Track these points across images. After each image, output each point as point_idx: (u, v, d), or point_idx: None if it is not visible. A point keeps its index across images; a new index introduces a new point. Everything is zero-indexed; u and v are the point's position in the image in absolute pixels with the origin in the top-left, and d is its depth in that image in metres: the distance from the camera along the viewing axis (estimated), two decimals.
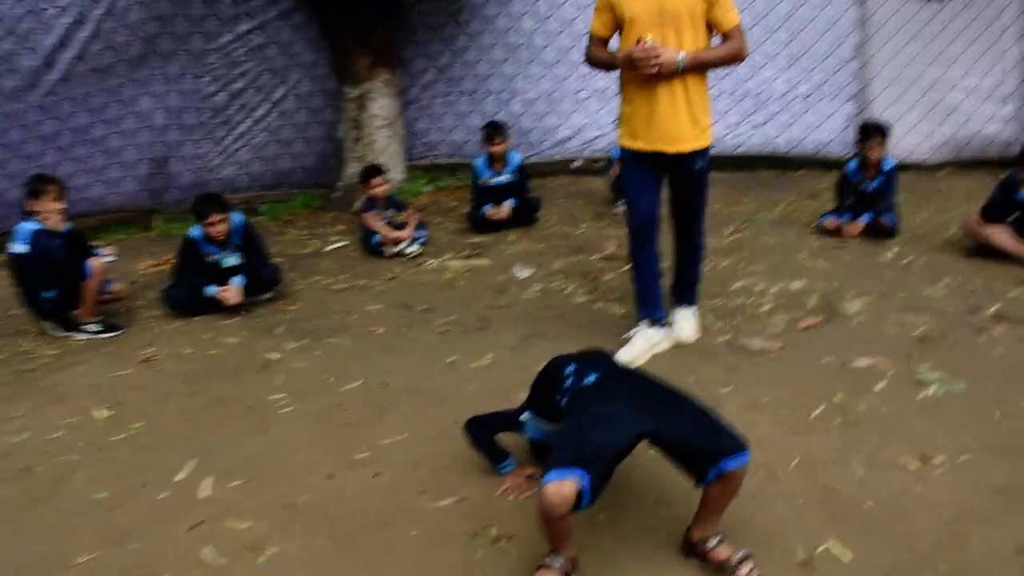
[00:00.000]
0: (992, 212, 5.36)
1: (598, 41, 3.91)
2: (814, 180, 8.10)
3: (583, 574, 2.49)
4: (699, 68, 3.74)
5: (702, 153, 3.86)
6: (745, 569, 2.42)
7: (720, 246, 5.92)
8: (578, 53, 8.52)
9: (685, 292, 4.33)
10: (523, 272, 5.59)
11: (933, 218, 6.49)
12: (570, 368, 2.68)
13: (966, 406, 3.48)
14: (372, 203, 6.28)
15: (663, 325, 4.19)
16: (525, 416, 2.90)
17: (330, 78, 8.20)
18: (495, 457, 3.04)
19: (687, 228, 4.13)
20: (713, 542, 2.50)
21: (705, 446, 2.36)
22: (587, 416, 2.42)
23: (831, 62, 8.84)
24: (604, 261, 5.78)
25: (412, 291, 5.36)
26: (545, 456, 2.82)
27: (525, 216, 6.82)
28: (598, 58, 3.94)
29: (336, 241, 6.78)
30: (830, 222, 6.12)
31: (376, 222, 6.17)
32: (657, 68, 3.58)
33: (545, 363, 2.89)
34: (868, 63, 8.70)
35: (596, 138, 8.87)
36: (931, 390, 3.63)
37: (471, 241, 6.48)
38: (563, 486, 2.22)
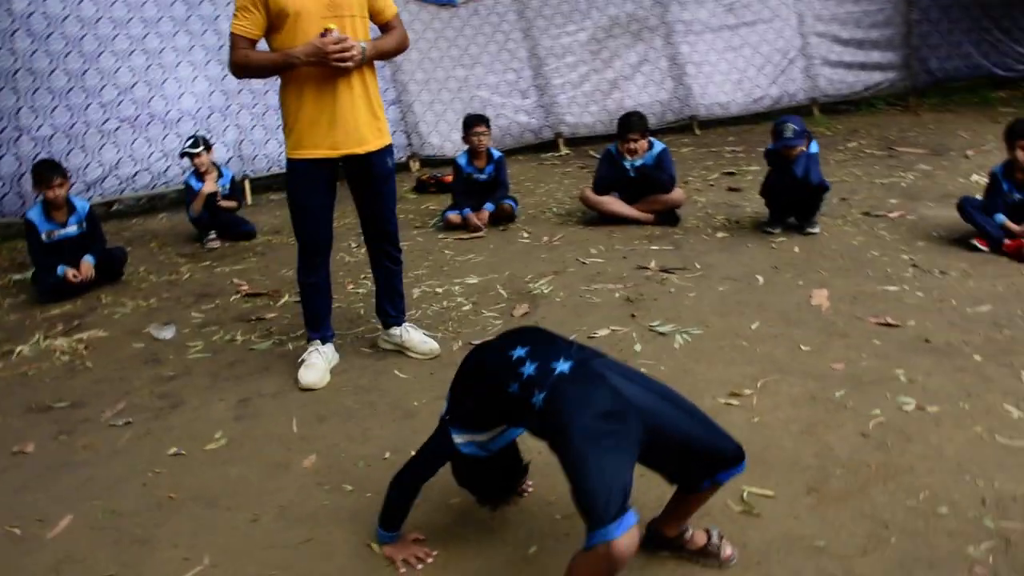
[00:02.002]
0: (602, 184, 5.90)
1: (248, 43, 3.32)
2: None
3: None
4: (376, 59, 3.45)
5: (388, 150, 3.61)
6: (728, 548, 2.28)
7: (357, 261, 5.54)
8: (95, 76, 7.28)
9: (399, 306, 3.96)
10: (164, 333, 4.53)
11: (538, 200, 6.93)
12: (518, 353, 2.13)
13: (715, 344, 3.73)
14: None
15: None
16: (458, 439, 2.27)
17: None
18: (394, 522, 2.41)
19: (387, 236, 3.79)
20: (688, 532, 2.30)
21: (712, 451, 2.08)
22: (600, 428, 1.94)
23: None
24: (248, 299, 4.99)
25: (28, 389, 3.97)
26: (476, 477, 2.35)
27: (110, 271, 5.56)
28: (255, 62, 3.34)
29: None
30: (454, 216, 6.13)
31: None
32: (351, 60, 3.20)
33: (465, 359, 2.35)
34: (400, 67, 8.94)
35: (136, 174, 7.64)
36: (678, 340, 3.82)
37: (54, 313, 5.06)
38: (633, 534, 1.79)
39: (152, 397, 3.74)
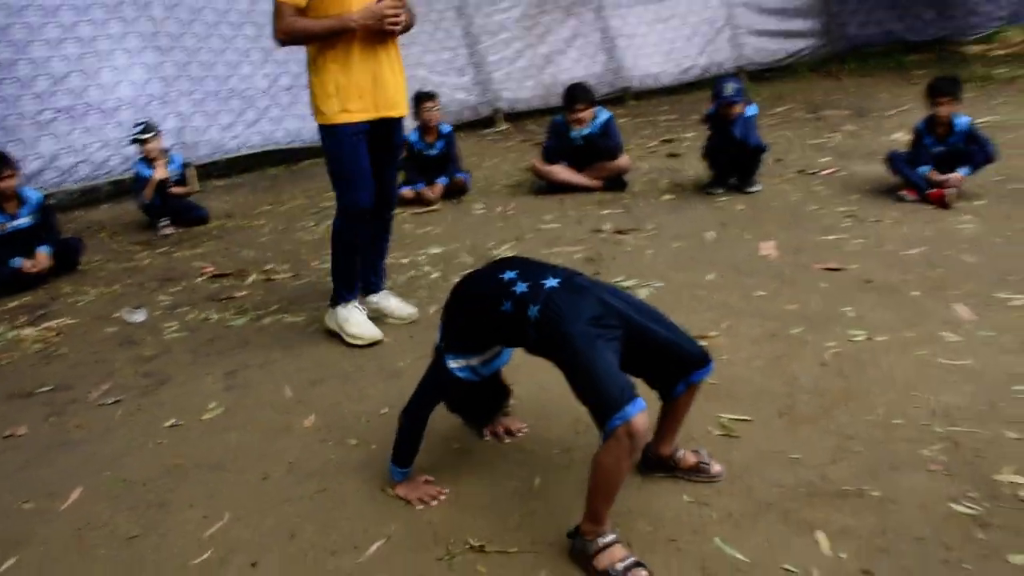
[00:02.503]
0: (551, 154, 6.10)
1: (294, 11, 3.39)
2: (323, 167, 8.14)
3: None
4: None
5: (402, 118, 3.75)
6: (716, 465, 2.52)
7: (316, 239, 5.65)
8: (27, 66, 7.15)
9: (381, 272, 4.12)
10: (136, 316, 4.58)
11: (487, 174, 7.10)
12: (509, 275, 2.32)
13: (676, 296, 3.99)
14: None
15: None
16: (452, 364, 2.45)
17: None
18: (407, 456, 2.58)
19: (391, 203, 3.93)
20: (680, 452, 2.53)
21: (681, 352, 2.32)
22: (593, 330, 2.16)
23: (302, 53, 8.87)
24: (215, 280, 5.05)
25: (3, 378, 3.99)
26: (468, 401, 2.61)
27: (66, 262, 5.55)
28: (307, 28, 3.38)
29: None
30: (408, 192, 6.26)
31: None
32: (400, 24, 3.37)
33: (455, 287, 2.52)
34: None
35: (76, 165, 7.54)
36: (642, 293, 4.06)
37: (13, 305, 5.04)
38: (645, 413, 2.05)
39: (136, 376, 3.81)
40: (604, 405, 2.05)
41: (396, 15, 3.34)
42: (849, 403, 2.87)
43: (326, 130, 3.56)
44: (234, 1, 8.53)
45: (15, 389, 3.83)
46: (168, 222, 6.36)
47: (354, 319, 3.84)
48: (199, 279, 5.12)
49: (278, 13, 3.38)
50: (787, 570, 2.11)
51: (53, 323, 4.62)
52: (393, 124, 3.66)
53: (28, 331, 4.53)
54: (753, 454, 2.63)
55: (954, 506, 2.28)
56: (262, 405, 3.38)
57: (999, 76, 9.10)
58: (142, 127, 6.34)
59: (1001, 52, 10.55)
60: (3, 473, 3.08)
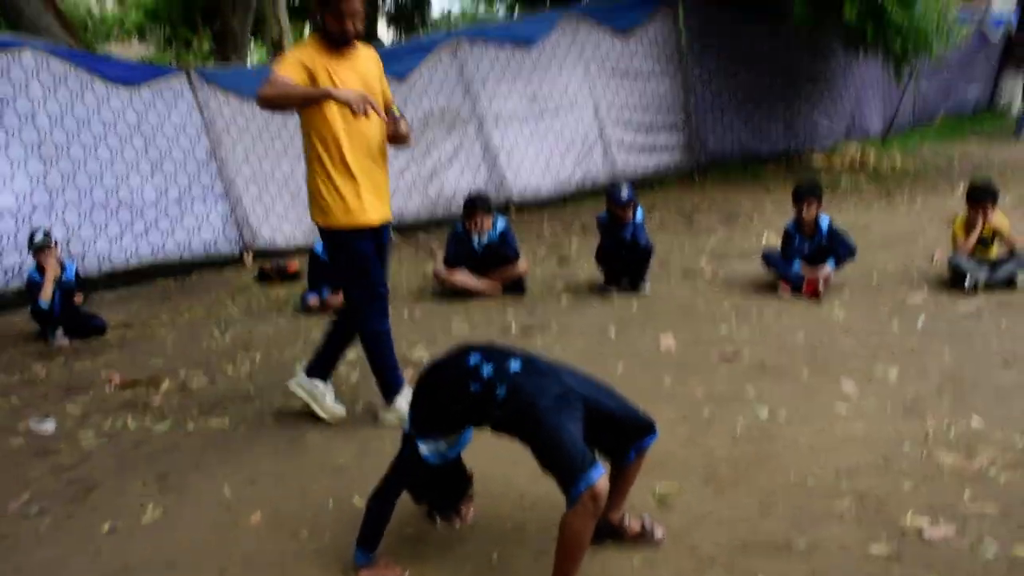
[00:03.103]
0: (452, 260, 6.42)
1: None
2: (217, 278, 8.21)
3: None
4: (395, 140, 3.89)
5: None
6: (659, 530, 2.78)
7: (224, 346, 5.67)
8: None
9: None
10: (46, 425, 4.45)
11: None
12: (474, 359, 2.54)
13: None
14: None
15: None
16: (423, 448, 2.61)
17: None
18: (374, 540, 2.71)
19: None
20: (626, 519, 2.78)
21: (632, 422, 2.60)
22: (558, 405, 2.40)
23: (191, 165, 8.96)
24: (124, 389, 4.98)
25: None
26: (434, 486, 2.76)
27: None
28: (290, 90, 3.56)
29: None
30: (313, 300, 6.40)
31: None
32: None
33: (423, 374, 2.72)
34: (225, 163, 9.11)
35: None
36: None
37: None
38: (605, 477, 2.30)
39: (59, 484, 3.72)
40: (569, 472, 2.28)
41: (373, 108, 3.53)
42: (763, 468, 3.21)
43: (338, 235, 3.84)
44: (122, 113, 8.56)
45: None
46: (62, 332, 6.19)
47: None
48: (108, 388, 5.01)
49: (270, 80, 3.56)
50: None
51: None
52: (385, 228, 3.96)
53: None
54: (689, 518, 2.90)
55: (870, 549, 2.61)
56: (203, 504, 3.39)
57: (843, 186, 10.20)
58: (44, 235, 6.24)
59: (839, 165, 11.80)
60: None
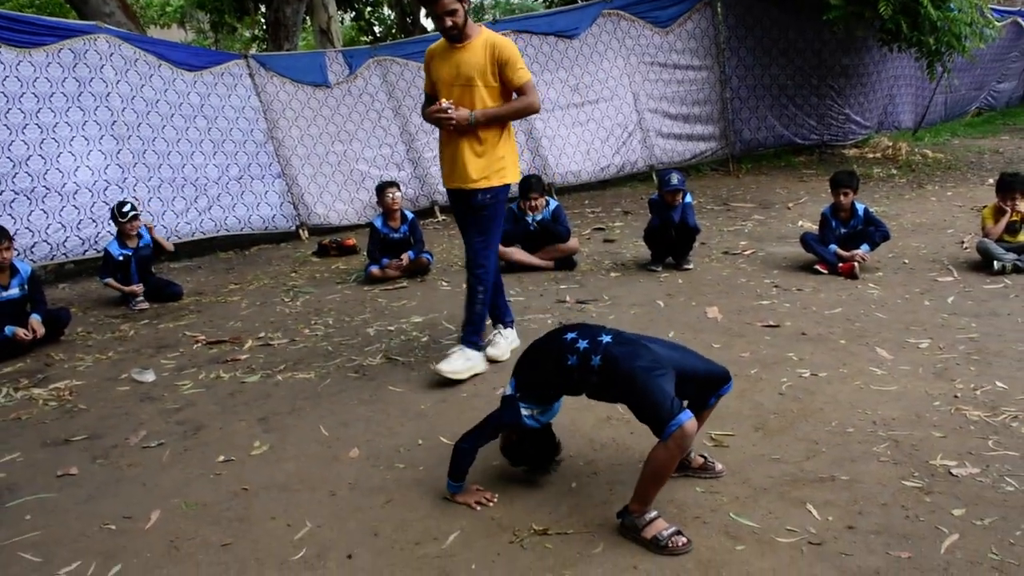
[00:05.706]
0: (507, 237, 6.80)
1: (427, 98, 4.38)
2: (276, 252, 8.64)
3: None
4: (494, 121, 4.29)
5: (487, 190, 4.39)
6: (718, 464, 3.19)
7: (297, 311, 6.11)
8: None
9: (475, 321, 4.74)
10: (147, 376, 4.92)
11: (440, 257, 7.72)
12: (570, 335, 2.93)
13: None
14: None
15: None
16: (524, 411, 3.01)
17: None
18: (462, 473, 3.10)
19: (471, 262, 4.53)
20: (691, 454, 3.17)
21: (715, 375, 2.98)
22: (650, 364, 2.77)
23: (250, 146, 9.43)
24: (210, 347, 5.44)
25: (31, 430, 4.21)
26: (528, 447, 3.13)
27: (52, 332, 5.81)
28: (426, 114, 4.35)
29: None
30: (376, 270, 6.82)
31: None
32: (453, 125, 4.18)
33: (526, 350, 3.11)
34: (282, 143, 9.56)
35: (34, 245, 7.74)
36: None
37: (7, 371, 5.25)
38: (694, 419, 2.65)
39: (170, 424, 4.17)
40: (662, 417, 2.66)
41: (445, 117, 4.19)
42: (808, 419, 3.59)
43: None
44: (186, 96, 9.03)
45: (47, 439, 4.09)
46: (142, 298, 6.66)
47: (494, 340, 4.70)
48: (195, 346, 5.47)
49: (425, 98, 4.53)
50: (790, 530, 2.74)
51: (61, 384, 4.88)
52: (467, 193, 4.40)
53: (37, 391, 4.78)
54: (742, 457, 3.29)
55: (905, 482, 2.99)
56: (304, 442, 3.81)
57: (876, 175, 10.50)
58: (130, 205, 6.70)
59: (871, 156, 12.09)
60: (70, 504, 3.38)
